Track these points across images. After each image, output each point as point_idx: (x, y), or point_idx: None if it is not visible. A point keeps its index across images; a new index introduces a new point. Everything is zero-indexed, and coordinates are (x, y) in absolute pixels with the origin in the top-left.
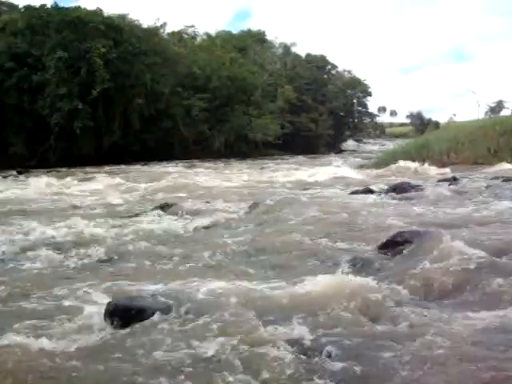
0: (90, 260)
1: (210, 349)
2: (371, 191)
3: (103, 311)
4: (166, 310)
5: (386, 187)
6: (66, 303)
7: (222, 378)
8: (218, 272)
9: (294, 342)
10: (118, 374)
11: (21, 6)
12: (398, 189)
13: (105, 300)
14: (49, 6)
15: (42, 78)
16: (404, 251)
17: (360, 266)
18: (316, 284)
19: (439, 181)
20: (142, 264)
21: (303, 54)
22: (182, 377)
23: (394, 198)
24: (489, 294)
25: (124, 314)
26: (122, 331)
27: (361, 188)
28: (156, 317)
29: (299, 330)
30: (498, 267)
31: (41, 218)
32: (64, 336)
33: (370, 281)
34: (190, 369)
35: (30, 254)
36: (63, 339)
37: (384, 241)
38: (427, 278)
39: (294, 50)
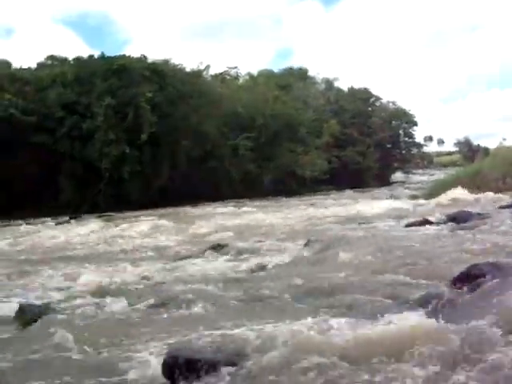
0: (142, 306)
1: None
2: (429, 222)
3: (160, 363)
4: (228, 362)
5: (443, 217)
6: (120, 354)
7: None
8: (279, 315)
9: None
10: None
11: (70, 58)
12: (458, 218)
13: (161, 350)
14: (96, 56)
15: (91, 125)
16: (483, 286)
17: (435, 303)
18: (387, 325)
19: (499, 208)
20: (197, 309)
21: (346, 88)
22: None
23: (455, 229)
24: None
25: (184, 367)
26: None
27: (417, 219)
28: (219, 369)
29: (374, 379)
30: None
31: (92, 263)
32: None
33: (450, 321)
34: None
35: (79, 301)
36: None
37: (457, 275)
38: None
39: (336, 84)
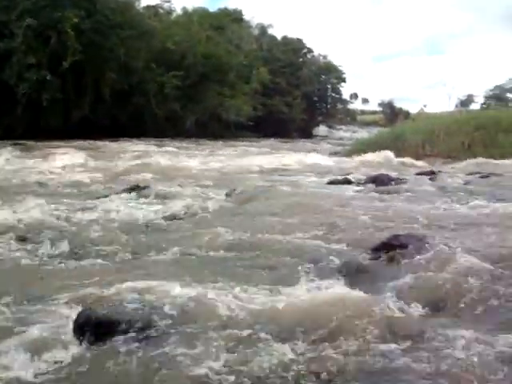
0: (53, 252)
1: (189, 370)
2: (349, 181)
3: (71, 322)
4: (142, 322)
5: (363, 177)
6: (26, 309)
7: None
8: (196, 273)
9: (287, 363)
10: None
11: None
12: (378, 180)
13: (72, 306)
14: None
15: (8, 46)
16: (401, 257)
17: (353, 271)
18: (306, 293)
19: (417, 174)
20: (112, 260)
21: (279, 37)
22: None
23: (374, 191)
24: (498, 308)
25: (97, 328)
26: (95, 348)
27: (338, 177)
28: (132, 330)
29: (290, 348)
30: (501, 277)
31: (2, 196)
32: (23, 351)
33: (369, 291)
34: None
35: None
36: (22, 355)
37: (378, 244)
38: (430, 290)
39: (270, 31)
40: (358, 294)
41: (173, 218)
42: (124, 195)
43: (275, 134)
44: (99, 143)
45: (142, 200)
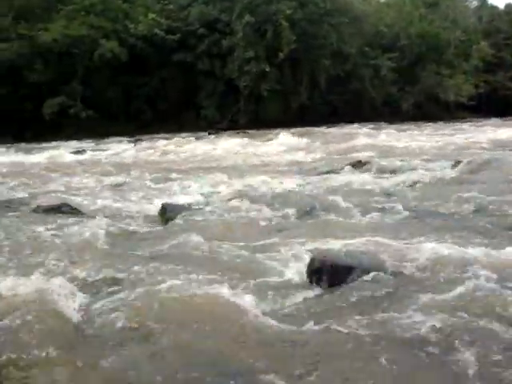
0: (286, 214)
1: (422, 321)
2: None
3: (305, 267)
4: (374, 269)
5: None
6: (264, 257)
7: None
8: (429, 232)
9: None
10: (319, 341)
11: None
12: None
13: (306, 255)
14: None
15: (230, 43)
16: None
17: None
18: None
19: None
20: (341, 219)
21: (501, 5)
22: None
23: None
24: None
25: (331, 272)
26: (328, 291)
27: None
28: (365, 276)
29: None
30: None
31: (232, 173)
32: (262, 292)
33: None
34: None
35: (218, 204)
36: (261, 295)
37: None
38: None
39: (490, 1)
40: None
41: (399, 186)
42: (345, 170)
43: (500, 112)
44: (317, 129)
45: (365, 174)
